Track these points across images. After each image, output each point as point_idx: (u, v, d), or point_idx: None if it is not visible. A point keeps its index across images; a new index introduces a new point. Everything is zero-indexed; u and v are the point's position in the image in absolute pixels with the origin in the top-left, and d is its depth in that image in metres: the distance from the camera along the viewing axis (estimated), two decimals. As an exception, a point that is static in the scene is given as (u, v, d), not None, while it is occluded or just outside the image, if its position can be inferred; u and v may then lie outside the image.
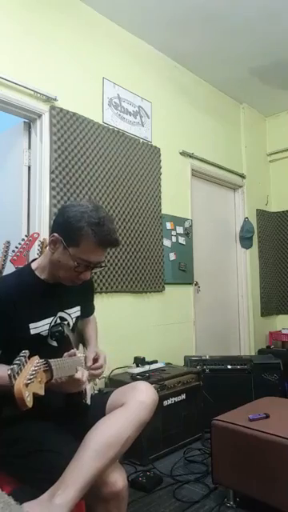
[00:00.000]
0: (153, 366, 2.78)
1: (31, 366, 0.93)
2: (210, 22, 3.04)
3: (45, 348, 1.32)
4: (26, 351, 0.96)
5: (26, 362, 0.93)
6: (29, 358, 0.96)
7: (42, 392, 0.94)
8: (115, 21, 3.03)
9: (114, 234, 1.31)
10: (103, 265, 1.38)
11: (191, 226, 3.56)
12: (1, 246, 2.21)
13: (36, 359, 0.97)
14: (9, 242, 2.21)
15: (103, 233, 1.26)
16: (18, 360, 0.90)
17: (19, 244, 2.09)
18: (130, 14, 2.96)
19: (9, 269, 2.00)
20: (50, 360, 1.05)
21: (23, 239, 2.12)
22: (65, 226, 1.28)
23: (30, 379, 0.88)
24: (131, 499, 1.94)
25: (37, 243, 2.26)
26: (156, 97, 3.36)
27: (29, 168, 2.59)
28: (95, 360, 1.49)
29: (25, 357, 0.93)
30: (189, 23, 3.06)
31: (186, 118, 3.68)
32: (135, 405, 1.28)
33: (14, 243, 2.14)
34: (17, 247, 2.09)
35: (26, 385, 0.86)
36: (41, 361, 1.00)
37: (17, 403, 0.85)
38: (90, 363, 1.46)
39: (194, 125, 3.76)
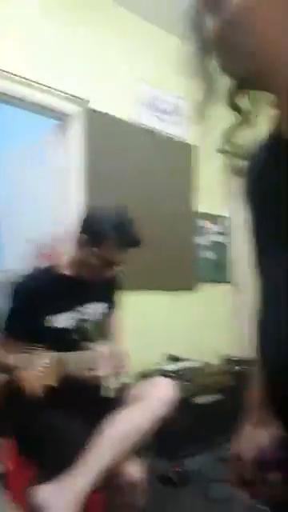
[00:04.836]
0: (186, 364, 2.77)
1: (45, 358, 0.98)
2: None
3: (66, 341, 1.37)
4: (42, 344, 1.02)
5: (40, 355, 0.98)
6: (45, 351, 1.01)
7: (54, 383, 0.99)
8: (149, 20, 3.02)
9: (136, 235, 1.39)
10: (125, 263, 1.43)
11: (230, 224, 3.50)
12: (33, 244, 2.32)
13: (50, 352, 1.02)
14: (40, 241, 2.31)
15: (126, 234, 1.34)
16: (32, 352, 0.96)
17: (49, 242, 2.18)
18: (163, 12, 2.95)
19: (40, 265, 2.09)
20: (65, 353, 1.10)
21: (53, 237, 2.21)
22: (90, 227, 1.37)
23: (42, 371, 0.93)
24: (158, 494, 1.96)
25: (67, 242, 2.33)
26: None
27: (62, 169, 2.68)
28: (118, 355, 1.53)
29: (39, 349, 0.99)
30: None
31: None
32: (153, 400, 1.30)
33: (45, 241, 2.23)
34: (47, 245, 2.18)
35: (37, 376, 0.91)
36: (54, 353, 1.05)
37: (28, 392, 0.90)
38: (113, 358, 1.50)
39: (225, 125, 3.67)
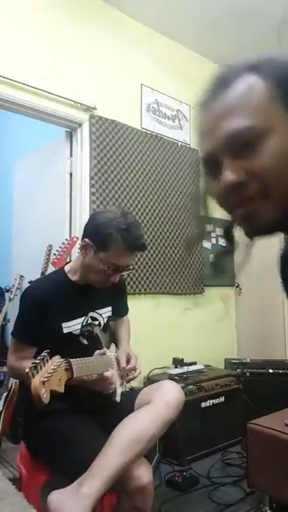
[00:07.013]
0: (191, 368, 2.79)
1: (51, 364, 0.99)
2: (247, 20, 2.99)
3: (76, 346, 1.40)
4: (48, 350, 1.04)
5: (47, 361, 1.00)
6: (51, 357, 1.03)
7: (61, 390, 1.01)
8: (151, 26, 3.06)
9: (141, 239, 1.39)
10: (131, 268, 1.45)
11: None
12: (44, 250, 2.35)
13: (57, 358, 1.04)
14: (51, 246, 2.35)
15: (131, 238, 1.34)
16: (38, 359, 0.98)
17: (60, 248, 2.21)
18: (165, 18, 2.99)
19: (51, 271, 2.12)
20: (72, 359, 1.12)
21: (63, 243, 2.24)
22: (95, 232, 1.37)
23: (48, 377, 0.95)
24: (166, 498, 1.98)
25: (76, 246, 2.36)
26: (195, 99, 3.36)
27: (70, 175, 2.71)
28: (128, 361, 1.55)
29: (45, 356, 1.01)
30: (225, 23, 3.03)
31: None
32: (161, 403, 1.32)
33: (56, 247, 2.26)
34: (57, 250, 2.21)
35: (43, 382, 0.93)
36: (61, 360, 1.07)
37: (33, 399, 0.92)
38: (123, 364, 1.52)
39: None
